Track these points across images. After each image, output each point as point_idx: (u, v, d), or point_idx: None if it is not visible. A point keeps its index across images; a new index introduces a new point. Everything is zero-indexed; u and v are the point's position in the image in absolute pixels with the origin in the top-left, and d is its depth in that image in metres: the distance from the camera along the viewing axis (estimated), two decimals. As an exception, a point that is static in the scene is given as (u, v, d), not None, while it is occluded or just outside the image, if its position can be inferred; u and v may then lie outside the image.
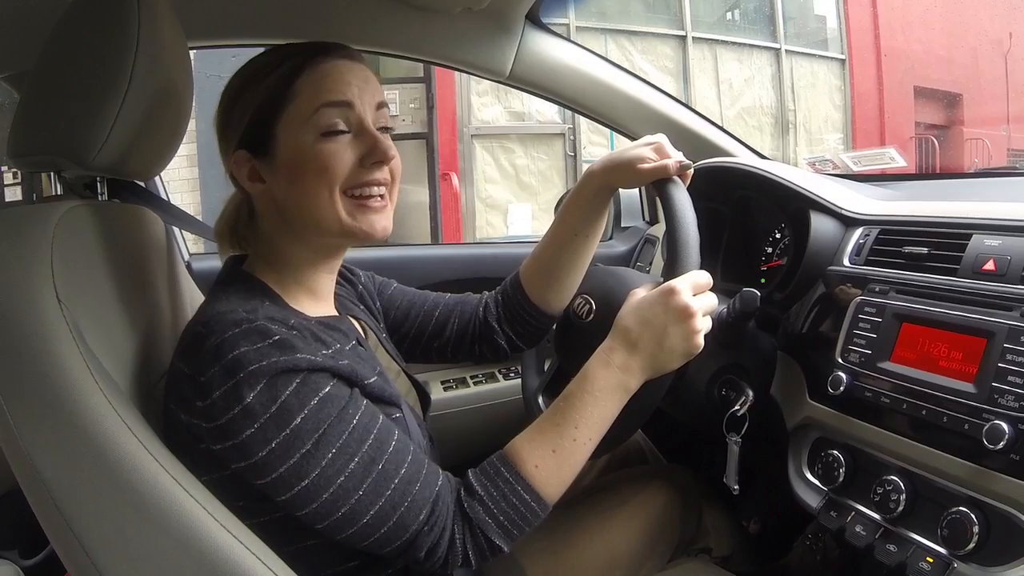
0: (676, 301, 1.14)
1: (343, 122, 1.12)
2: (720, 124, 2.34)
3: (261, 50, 1.18)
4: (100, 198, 1.29)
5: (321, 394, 1.02)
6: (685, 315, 1.14)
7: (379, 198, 1.16)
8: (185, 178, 7.30)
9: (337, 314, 1.27)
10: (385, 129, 1.18)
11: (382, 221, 1.16)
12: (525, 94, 2.57)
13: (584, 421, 1.14)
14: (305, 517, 1.02)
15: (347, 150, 1.12)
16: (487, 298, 1.54)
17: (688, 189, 1.28)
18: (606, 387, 1.15)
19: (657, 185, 1.28)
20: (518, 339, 1.52)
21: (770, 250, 1.83)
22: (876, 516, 1.26)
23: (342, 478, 1.01)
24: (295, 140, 1.12)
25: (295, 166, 1.12)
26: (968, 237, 1.28)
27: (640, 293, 1.21)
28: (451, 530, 1.07)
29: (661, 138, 1.31)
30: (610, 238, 2.68)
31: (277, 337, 1.01)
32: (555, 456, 1.13)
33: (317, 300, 1.23)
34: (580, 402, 1.15)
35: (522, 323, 1.50)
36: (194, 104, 1.34)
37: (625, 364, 1.16)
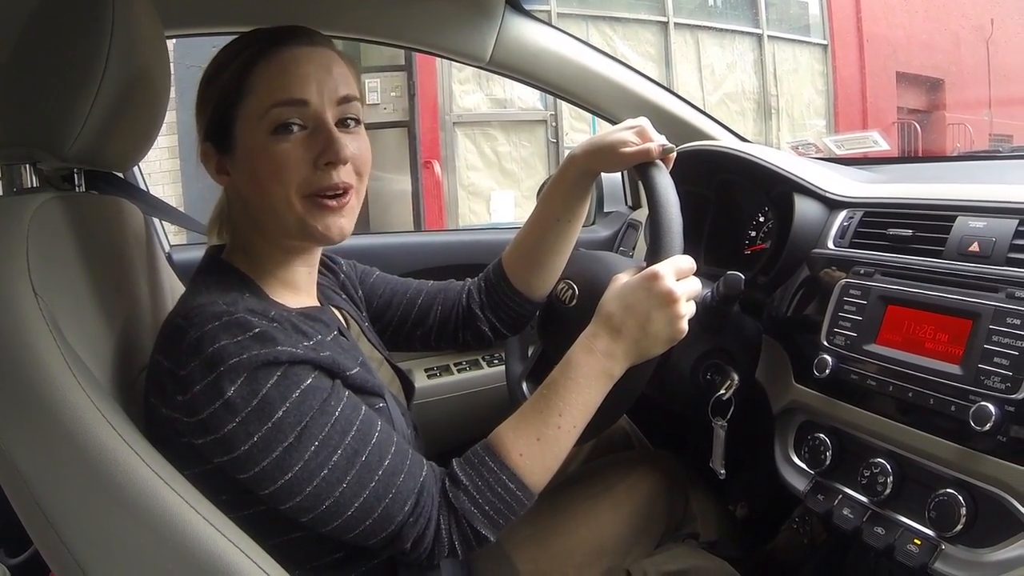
0: (659, 286, 1.14)
1: (298, 119, 1.09)
2: (702, 109, 2.33)
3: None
4: (77, 189, 1.28)
5: (303, 386, 1.01)
6: (669, 300, 1.13)
7: (339, 198, 1.12)
8: (166, 170, 7.27)
9: (318, 304, 1.26)
10: (354, 120, 1.14)
11: (339, 222, 1.13)
12: (507, 81, 2.56)
13: (568, 408, 1.13)
14: (289, 511, 1.01)
15: (300, 149, 1.09)
16: (470, 285, 1.53)
17: (671, 173, 1.27)
18: (590, 374, 1.15)
19: (640, 169, 1.27)
20: (501, 326, 1.51)
21: (754, 233, 1.82)
22: (863, 499, 1.26)
23: (325, 471, 1.00)
24: (250, 139, 1.09)
25: (251, 165, 1.10)
26: (953, 219, 1.28)
27: (623, 278, 1.20)
28: (436, 521, 1.07)
29: (643, 121, 1.30)
30: (593, 223, 2.68)
31: (257, 330, 1.00)
32: (540, 444, 1.12)
33: (297, 292, 1.22)
34: (564, 389, 1.14)
35: (505, 309, 1.49)
36: (174, 95, 1.33)
37: (608, 350, 1.15)
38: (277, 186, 1.08)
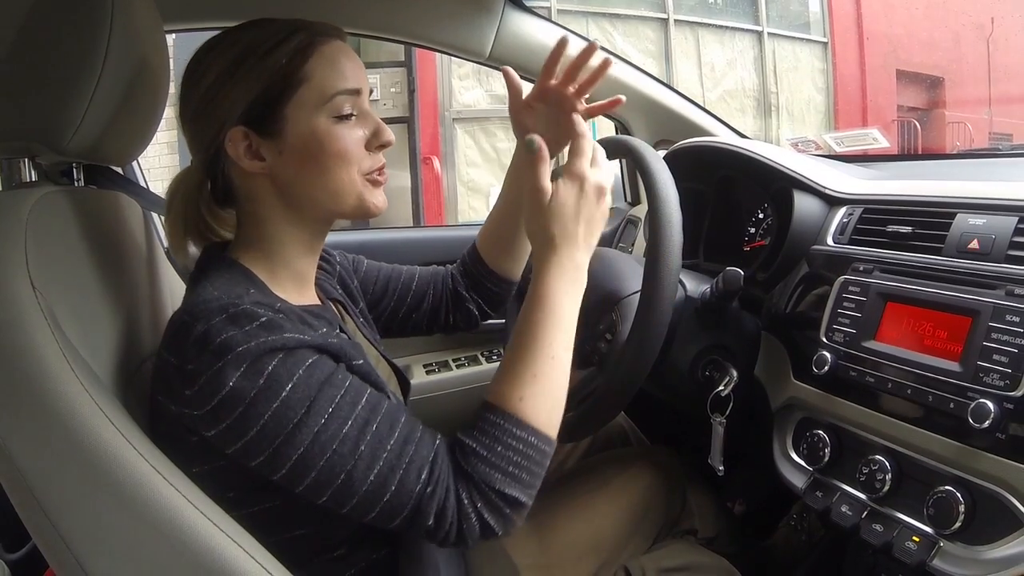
0: (573, 178, 1.15)
1: (352, 107, 1.14)
2: (703, 105, 2.33)
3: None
4: (76, 184, 1.27)
5: (308, 362, 1.00)
6: (582, 183, 1.15)
7: (381, 174, 1.19)
8: (166, 166, 7.25)
9: (319, 303, 1.26)
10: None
11: (383, 196, 1.19)
12: (507, 77, 2.55)
13: (556, 336, 1.12)
14: (305, 491, 0.99)
15: (357, 132, 1.15)
16: (452, 269, 1.58)
17: (671, 169, 1.27)
18: (566, 290, 1.14)
19: (639, 165, 1.27)
20: (485, 305, 1.57)
21: (753, 230, 1.82)
22: (862, 496, 1.26)
23: (336, 443, 0.98)
24: (308, 123, 1.11)
25: (310, 148, 1.11)
26: (952, 216, 1.27)
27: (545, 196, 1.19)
28: (456, 491, 1.02)
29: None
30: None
31: (264, 319, 0.99)
32: (537, 381, 1.09)
33: (302, 286, 1.21)
34: (547, 321, 1.12)
35: (484, 290, 1.55)
36: (174, 90, 1.32)
37: (574, 260, 1.15)
38: (343, 167, 1.13)
